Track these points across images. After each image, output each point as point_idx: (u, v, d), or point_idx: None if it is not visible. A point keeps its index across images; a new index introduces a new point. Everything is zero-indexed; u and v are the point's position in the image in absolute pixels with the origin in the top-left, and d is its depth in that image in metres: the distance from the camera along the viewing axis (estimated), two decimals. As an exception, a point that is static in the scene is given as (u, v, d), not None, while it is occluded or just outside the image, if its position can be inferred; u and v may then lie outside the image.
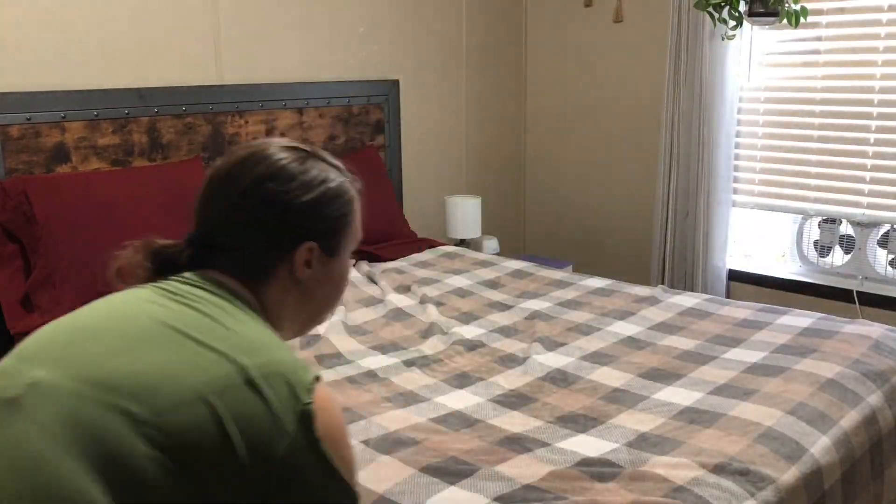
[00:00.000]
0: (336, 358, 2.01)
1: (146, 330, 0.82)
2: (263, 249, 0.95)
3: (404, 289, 2.58)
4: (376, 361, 1.99)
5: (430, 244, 3.17)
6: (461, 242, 3.55)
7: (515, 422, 1.65)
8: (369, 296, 2.51)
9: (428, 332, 2.20)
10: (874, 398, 1.80)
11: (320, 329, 2.17)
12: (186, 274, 0.93)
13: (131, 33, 2.61)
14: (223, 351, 0.80)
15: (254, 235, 0.95)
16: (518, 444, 1.54)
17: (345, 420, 0.85)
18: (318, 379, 0.83)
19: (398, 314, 2.35)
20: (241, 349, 0.80)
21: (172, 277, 0.93)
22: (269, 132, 3.00)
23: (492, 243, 3.63)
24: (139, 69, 2.64)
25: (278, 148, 0.99)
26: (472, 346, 2.09)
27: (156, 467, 0.72)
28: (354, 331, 2.22)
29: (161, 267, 0.96)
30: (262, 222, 0.95)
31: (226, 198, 0.96)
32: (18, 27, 2.36)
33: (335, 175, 1.01)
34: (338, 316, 2.26)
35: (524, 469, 1.44)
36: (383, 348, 2.09)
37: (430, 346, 2.09)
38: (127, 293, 0.91)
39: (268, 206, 0.95)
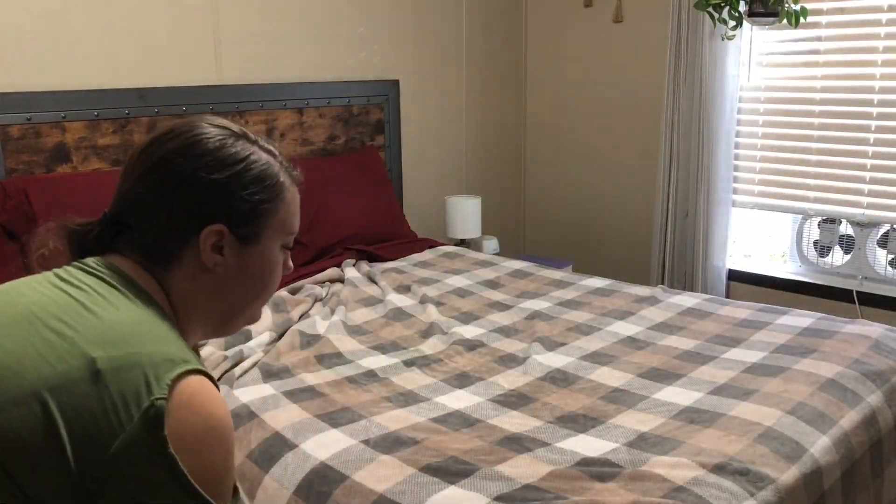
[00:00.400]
0: (336, 358, 2.01)
1: (11, 318, 0.78)
2: (167, 230, 0.88)
3: (404, 289, 2.58)
4: (376, 361, 1.99)
5: (430, 244, 3.17)
6: (461, 242, 3.55)
7: (515, 422, 1.65)
8: (369, 296, 2.51)
9: (428, 332, 2.20)
10: (874, 398, 1.80)
11: (320, 329, 2.17)
12: (89, 259, 0.87)
13: (131, 33, 2.61)
14: (79, 342, 0.75)
15: (157, 214, 0.88)
16: (518, 443, 1.54)
17: (223, 424, 0.76)
18: (191, 374, 0.76)
19: (398, 314, 2.35)
20: (101, 340, 0.75)
21: (76, 262, 0.87)
22: (269, 132, 3.00)
23: (492, 243, 3.63)
24: (139, 69, 2.64)
25: (206, 125, 0.92)
26: (472, 346, 2.10)
27: None
28: (354, 331, 2.22)
29: (77, 248, 0.91)
30: (165, 200, 0.88)
31: (135, 172, 0.90)
32: (18, 27, 2.36)
33: (263, 157, 0.92)
34: (338, 316, 2.26)
35: (524, 469, 1.44)
36: (383, 348, 2.09)
37: (430, 346, 2.09)
38: (27, 279, 0.87)
39: (172, 182, 0.88)
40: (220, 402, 0.78)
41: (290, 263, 1.00)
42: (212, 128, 0.91)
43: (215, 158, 0.89)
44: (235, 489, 0.82)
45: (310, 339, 2.11)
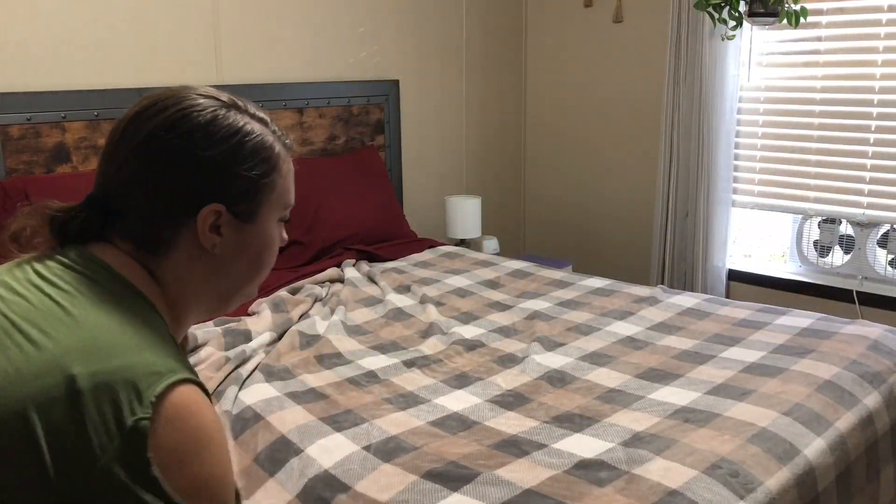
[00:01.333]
0: (336, 358, 2.01)
1: None
2: (160, 214, 0.83)
3: (404, 289, 2.58)
4: (376, 362, 1.99)
5: (430, 244, 3.17)
6: (461, 242, 3.55)
7: (512, 423, 1.66)
8: (369, 296, 2.51)
9: (428, 332, 2.20)
10: (871, 399, 1.80)
11: (320, 329, 2.18)
12: (71, 252, 0.82)
13: (131, 33, 2.62)
14: (58, 355, 0.71)
15: (148, 199, 0.82)
16: (515, 447, 1.55)
17: (212, 435, 0.73)
18: (177, 385, 0.72)
19: (398, 314, 2.35)
20: (82, 352, 0.71)
21: (57, 254, 0.82)
22: (269, 132, 3.00)
23: (492, 243, 3.64)
24: (139, 69, 2.65)
25: (194, 95, 0.86)
26: (471, 346, 2.10)
27: None
28: (354, 331, 2.22)
29: (59, 235, 0.84)
30: (156, 182, 0.82)
31: (120, 153, 0.84)
32: (18, 27, 2.36)
33: (256, 128, 0.87)
34: (337, 316, 2.27)
35: (523, 473, 1.44)
36: (383, 348, 2.09)
37: (430, 346, 2.10)
38: (8, 270, 0.82)
39: (163, 163, 0.82)
40: (207, 412, 0.74)
41: (286, 235, 0.95)
42: (201, 98, 0.85)
43: (208, 133, 0.83)
44: (237, 494, 0.79)
45: (309, 340, 2.11)
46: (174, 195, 0.83)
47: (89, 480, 0.67)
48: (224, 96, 0.88)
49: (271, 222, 0.90)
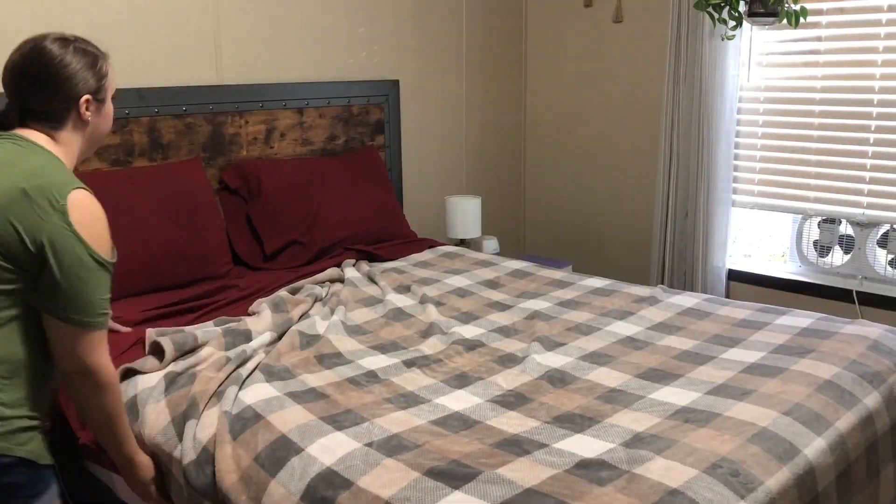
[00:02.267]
0: (336, 358, 2.02)
1: None
2: (58, 107, 1.51)
3: (404, 289, 2.58)
4: (376, 361, 1.99)
5: (430, 244, 3.17)
6: (461, 242, 3.55)
7: (513, 422, 1.66)
8: (369, 296, 2.51)
9: (428, 332, 2.21)
10: (871, 399, 1.80)
11: (320, 329, 2.18)
12: (7, 135, 1.50)
13: (131, 33, 2.62)
14: (14, 179, 1.40)
15: (48, 100, 1.50)
16: (517, 446, 1.55)
17: (98, 211, 1.46)
18: (79, 189, 1.44)
19: (398, 314, 2.35)
20: (25, 176, 1.40)
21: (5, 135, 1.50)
22: (269, 132, 3.01)
23: (492, 243, 3.64)
24: (139, 69, 2.65)
25: (50, 42, 1.51)
26: (471, 345, 2.10)
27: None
28: (354, 331, 2.22)
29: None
30: (51, 91, 1.50)
31: (24, 84, 1.50)
32: (19, 27, 2.36)
33: (91, 50, 1.56)
34: (337, 316, 2.27)
35: (525, 472, 1.44)
36: (383, 348, 2.09)
37: (430, 346, 2.10)
38: None
39: (53, 80, 1.49)
40: (95, 203, 1.46)
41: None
42: (54, 42, 1.51)
43: (70, 60, 1.50)
44: (114, 250, 1.51)
45: (309, 340, 2.11)
46: (64, 95, 1.51)
47: (45, 242, 1.38)
48: (69, 35, 1.55)
49: (110, 102, 1.61)
